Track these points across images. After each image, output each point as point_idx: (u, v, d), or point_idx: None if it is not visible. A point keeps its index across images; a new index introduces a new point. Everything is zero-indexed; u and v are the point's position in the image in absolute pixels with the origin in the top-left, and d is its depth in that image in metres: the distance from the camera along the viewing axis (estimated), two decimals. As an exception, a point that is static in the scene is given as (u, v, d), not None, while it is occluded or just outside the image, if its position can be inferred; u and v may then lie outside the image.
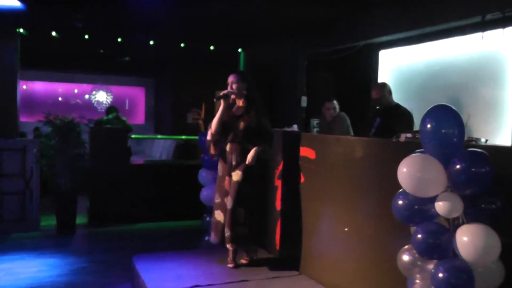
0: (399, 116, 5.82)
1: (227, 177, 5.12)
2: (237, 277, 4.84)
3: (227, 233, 5.03)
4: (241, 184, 4.97)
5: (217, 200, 5.20)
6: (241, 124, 5.05)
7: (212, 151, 5.27)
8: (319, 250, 4.81)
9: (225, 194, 5.10)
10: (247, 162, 4.96)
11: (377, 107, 6.32)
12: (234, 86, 5.13)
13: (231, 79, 5.17)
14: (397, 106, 6.02)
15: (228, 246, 5.11)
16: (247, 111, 5.10)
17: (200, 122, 11.77)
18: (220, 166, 5.23)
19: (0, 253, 6.55)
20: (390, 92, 6.06)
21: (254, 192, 5.06)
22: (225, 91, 5.13)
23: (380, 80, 7.85)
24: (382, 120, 5.95)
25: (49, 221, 7.99)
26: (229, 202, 5.01)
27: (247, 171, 4.98)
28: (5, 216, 7.62)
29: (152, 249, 6.41)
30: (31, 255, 6.51)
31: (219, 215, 5.16)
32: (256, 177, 5.07)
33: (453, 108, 3.01)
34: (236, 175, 5.01)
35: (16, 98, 7.99)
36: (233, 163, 5.07)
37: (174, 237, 7.64)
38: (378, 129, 5.89)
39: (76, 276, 5.78)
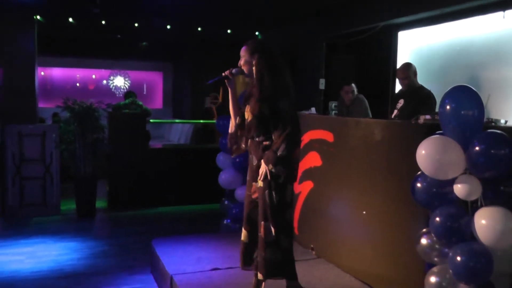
0: (423, 98, 5.71)
1: (253, 184, 4.00)
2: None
3: (256, 256, 4.01)
4: (264, 192, 3.82)
5: (244, 212, 4.15)
6: (247, 114, 3.96)
7: (232, 149, 4.24)
8: (337, 233, 4.80)
9: (250, 205, 4.06)
10: (258, 178, 3.85)
11: (401, 88, 6.22)
12: (240, 62, 4.02)
13: (241, 53, 4.04)
14: (421, 87, 5.92)
15: (257, 274, 3.97)
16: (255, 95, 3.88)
17: (213, 107, 11.77)
18: (248, 168, 4.14)
19: (22, 237, 6.65)
20: (415, 73, 5.93)
21: (283, 202, 3.83)
22: (220, 76, 4.18)
23: (399, 62, 7.76)
24: (406, 102, 5.85)
25: (69, 205, 8.08)
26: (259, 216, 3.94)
27: (268, 177, 3.79)
28: (26, 200, 7.73)
29: (171, 232, 6.45)
30: (52, 238, 6.59)
31: (242, 233, 4.11)
32: (283, 183, 3.79)
33: (473, 89, 2.97)
34: (260, 181, 3.87)
35: (34, 84, 8.06)
36: (254, 164, 4.00)
37: (193, 221, 7.68)
38: (402, 111, 5.80)
39: (96, 260, 5.84)
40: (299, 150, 3.86)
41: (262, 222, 3.84)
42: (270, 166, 3.71)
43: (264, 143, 3.82)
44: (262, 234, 3.85)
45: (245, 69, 3.97)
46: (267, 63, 3.83)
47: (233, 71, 4.02)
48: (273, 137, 3.75)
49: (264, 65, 3.83)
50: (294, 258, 3.95)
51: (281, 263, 3.84)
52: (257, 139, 3.88)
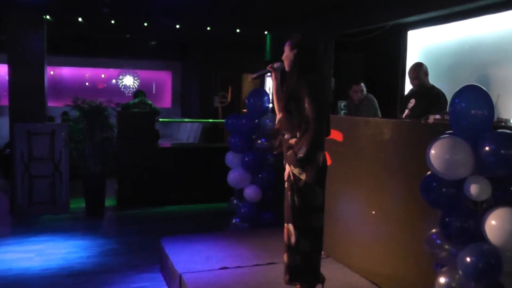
0: (434, 98, 5.68)
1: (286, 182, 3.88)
2: (264, 260, 4.85)
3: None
4: (287, 194, 3.78)
5: None
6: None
7: (275, 145, 4.11)
8: (346, 233, 4.79)
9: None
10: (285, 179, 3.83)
11: (412, 88, 6.19)
12: (283, 57, 3.92)
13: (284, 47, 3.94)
14: (433, 87, 5.89)
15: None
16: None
17: (220, 107, 11.83)
18: None
19: (31, 234, 6.69)
20: (426, 73, 5.89)
21: (307, 205, 3.74)
22: (263, 70, 4.12)
23: (408, 61, 7.74)
24: (417, 102, 5.83)
25: (79, 204, 8.11)
26: None
27: (291, 178, 3.75)
28: (36, 198, 7.77)
29: (180, 231, 6.46)
30: (61, 237, 6.62)
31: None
32: (307, 185, 3.68)
33: (482, 88, 2.95)
34: (286, 182, 3.84)
35: (44, 83, 8.09)
36: (284, 163, 3.89)
37: (202, 220, 7.69)
38: (413, 111, 5.77)
39: (105, 258, 5.86)
40: (322, 153, 3.69)
41: (285, 224, 3.81)
42: (292, 167, 3.69)
43: (290, 141, 3.73)
44: (285, 236, 3.81)
45: (285, 63, 3.88)
46: (300, 60, 3.77)
47: (275, 65, 3.95)
48: (297, 136, 3.67)
49: (296, 62, 3.78)
50: (316, 265, 3.83)
51: (299, 268, 3.76)
52: (285, 136, 3.81)
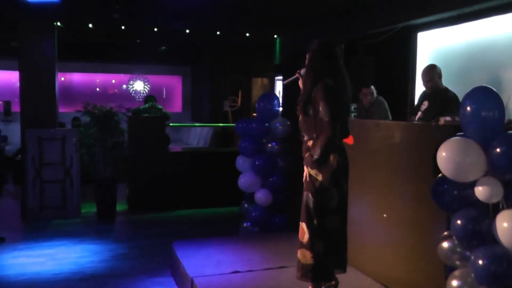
0: (448, 101, 5.63)
1: None
2: (276, 264, 4.85)
3: None
4: (304, 194, 3.85)
5: None
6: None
7: None
8: (358, 236, 4.77)
9: None
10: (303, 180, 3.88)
11: (424, 90, 6.14)
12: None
13: None
14: (446, 90, 5.85)
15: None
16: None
17: (229, 111, 11.84)
18: None
19: (43, 239, 6.73)
20: (440, 75, 5.85)
21: (322, 206, 3.75)
22: (294, 77, 4.07)
23: (419, 63, 7.70)
24: (430, 104, 5.79)
25: (90, 208, 8.15)
26: None
27: (308, 180, 3.82)
28: (47, 203, 7.82)
29: (191, 235, 6.47)
30: (73, 241, 6.65)
31: None
32: (322, 187, 3.72)
33: (493, 89, 2.94)
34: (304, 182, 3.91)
35: (55, 89, 8.15)
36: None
37: (212, 224, 7.70)
38: (426, 114, 5.73)
39: (116, 262, 5.88)
40: (336, 156, 3.67)
41: (300, 223, 3.85)
42: (309, 169, 3.75)
43: (308, 143, 3.78)
44: (299, 233, 3.86)
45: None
46: (314, 64, 3.81)
47: (302, 71, 3.94)
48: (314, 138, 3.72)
49: (311, 66, 3.82)
50: (329, 266, 3.84)
51: (311, 267, 3.79)
52: (304, 138, 3.86)
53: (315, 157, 3.64)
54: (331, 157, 3.65)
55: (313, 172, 3.72)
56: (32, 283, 5.21)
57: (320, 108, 3.62)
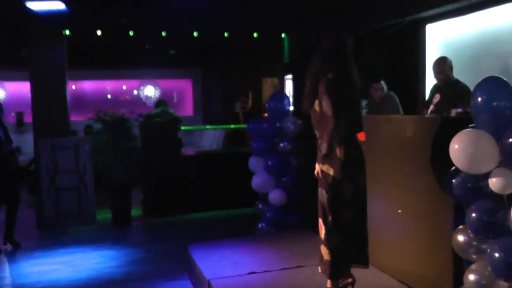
0: (461, 93, 5.58)
1: None
2: (292, 263, 4.83)
3: None
4: (318, 190, 3.91)
5: None
6: None
7: None
8: (374, 232, 4.73)
9: None
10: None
11: (436, 82, 6.10)
12: None
13: None
14: (457, 82, 5.81)
15: None
16: None
17: (241, 112, 11.84)
18: None
19: (60, 246, 6.78)
20: (451, 67, 5.81)
21: (336, 201, 3.78)
22: None
23: (428, 55, 7.65)
24: (442, 97, 5.74)
25: (105, 214, 8.20)
26: None
27: (320, 176, 3.88)
28: (63, 210, 7.88)
29: (207, 237, 6.48)
30: (89, 247, 6.70)
31: None
32: (335, 181, 3.75)
33: (504, 79, 2.90)
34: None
35: (66, 97, 8.20)
36: None
37: (228, 225, 7.70)
38: (438, 107, 5.68)
39: (134, 267, 5.91)
40: (344, 148, 3.68)
41: (319, 219, 3.90)
42: (320, 165, 3.81)
43: (319, 140, 3.82)
44: (319, 230, 3.91)
45: None
46: (324, 61, 3.84)
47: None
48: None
49: (320, 63, 3.85)
50: (345, 259, 3.86)
51: (329, 263, 3.81)
52: (317, 135, 3.88)
53: (323, 152, 3.70)
54: (337, 150, 3.67)
55: (324, 167, 3.77)
56: (50, 290, 5.25)
57: (323, 102, 3.69)
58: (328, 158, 3.71)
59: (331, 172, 3.72)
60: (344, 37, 3.96)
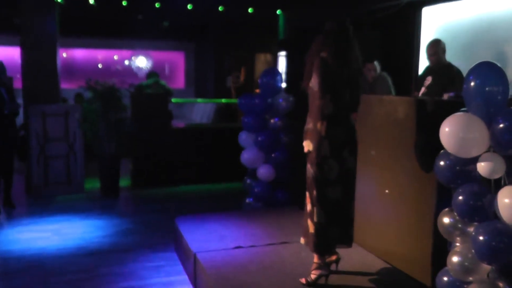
0: (453, 76, 5.61)
1: None
2: (278, 239, 4.88)
3: None
4: (306, 166, 3.96)
5: None
6: None
7: None
8: (361, 212, 4.78)
9: None
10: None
11: (428, 65, 6.11)
12: None
13: None
14: (450, 65, 5.83)
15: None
16: None
17: (233, 87, 11.81)
18: None
19: (47, 214, 6.78)
20: (444, 50, 5.83)
21: (320, 177, 3.82)
22: None
23: (423, 38, 7.65)
24: (434, 80, 5.76)
25: (94, 184, 8.19)
26: None
27: (307, 151, 3.92)
28: (51, 179, 7.86)
29: (194, 211, 6.50)
30: (77, 216, 6.70)
31: None
32: (318, 157, 3.78)
33: (498, 65, 2.91)
34: None
35: (56, 65, 8.12)
36: None
37: (215, 199, 7.74)
38: (430, 89, 5.70)
39: (121, 237, 5.94)
40: (327, 125, 3.71)
41: (306, 192, 3.97)
42: (304, 141, 3.88)
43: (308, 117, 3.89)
44: (306, 204, 3.99)
45: None
46: (323, 42, 3.87)
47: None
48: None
49: (319, 44, 3.89)
50: (330, 236, 3.89)
51: (313, 236, 3.87)
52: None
53: (306, 126, 3.82)
54: (319, 125, 3.72)
55: (306, 143, 3.84)
56: (37, 257, 5.26)
57: (312, 79, 3.79)
58: (310, 133, 3.80)
59: (311, 147, 3.79)
60: (348, 22, 3.95)
